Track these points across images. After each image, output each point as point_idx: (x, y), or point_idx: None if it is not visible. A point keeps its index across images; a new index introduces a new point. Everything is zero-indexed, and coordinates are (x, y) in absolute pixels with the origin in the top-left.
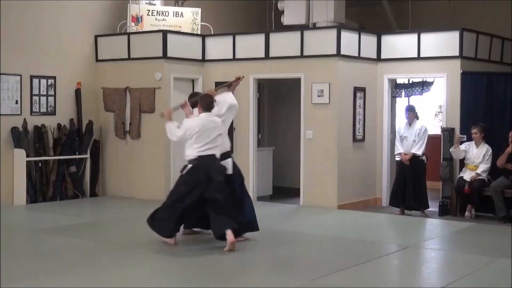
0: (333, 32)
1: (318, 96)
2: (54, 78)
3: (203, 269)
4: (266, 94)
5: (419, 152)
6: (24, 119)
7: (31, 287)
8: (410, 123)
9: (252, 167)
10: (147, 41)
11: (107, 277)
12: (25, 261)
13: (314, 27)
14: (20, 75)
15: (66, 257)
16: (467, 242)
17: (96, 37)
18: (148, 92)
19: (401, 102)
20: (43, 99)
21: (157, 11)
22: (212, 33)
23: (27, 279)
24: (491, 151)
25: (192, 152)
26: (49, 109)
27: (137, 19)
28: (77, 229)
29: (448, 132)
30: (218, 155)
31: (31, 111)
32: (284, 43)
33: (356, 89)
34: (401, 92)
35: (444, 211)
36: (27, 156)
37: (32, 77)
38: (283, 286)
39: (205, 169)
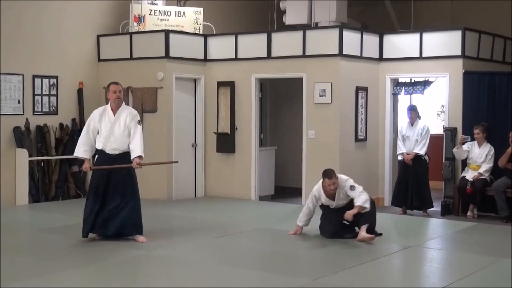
0: (335, 31)
1: (320, 95)
2: (56, 77)
3: (204, 269)
4: (268, 94)
5: (422, 151)
6: (27, 118)
7: (31, 287)
8: (412, 123)
9: (254, 167)
10: (149, 41)
11: (109, 277)
12: (26, 261)
13: (316, 26)
14: (23, 75)
15: (67, 257)
16: (469, 242)
17: (98, 36)
18: (150, 92)
19: (403, 102)
20: (45, 98)
21: (159, 11)
22: (214, 32)
23: (28, 279)
24: (493, 150)
25: None
26: (51, 108)
27: (139, 19)
28: (79, 229)
29: (450, 131)
30: None
31: (34, 111)
32: (286, 42)
33: (358, 89)
34: (401, 90)
35: (446, 211)
36: (30, 155)
37: (34, 76)
38: (284, 286)
39: None
